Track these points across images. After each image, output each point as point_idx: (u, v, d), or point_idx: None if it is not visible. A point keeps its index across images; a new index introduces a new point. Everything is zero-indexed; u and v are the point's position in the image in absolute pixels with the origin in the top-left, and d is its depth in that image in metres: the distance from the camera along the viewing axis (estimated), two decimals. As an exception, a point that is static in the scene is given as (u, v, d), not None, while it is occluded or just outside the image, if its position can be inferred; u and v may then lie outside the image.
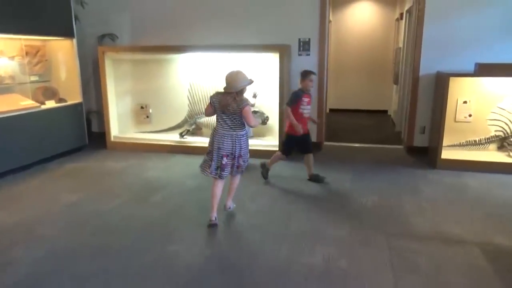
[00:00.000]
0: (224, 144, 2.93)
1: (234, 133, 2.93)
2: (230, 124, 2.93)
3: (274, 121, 4.87)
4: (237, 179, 3.18)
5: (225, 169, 2.97)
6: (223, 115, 2.94)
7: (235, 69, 3.03)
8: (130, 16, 5.39)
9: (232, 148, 2.94)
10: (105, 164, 4.55)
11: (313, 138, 5.11)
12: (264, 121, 4.85)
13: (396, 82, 6.64)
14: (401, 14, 6.48)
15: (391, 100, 7.77)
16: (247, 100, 2.96)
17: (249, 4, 4.99)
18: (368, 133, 6.28)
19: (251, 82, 3.01)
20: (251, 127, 3.11)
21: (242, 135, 2.97)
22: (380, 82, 8.11)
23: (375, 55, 8.05)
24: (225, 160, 2.94)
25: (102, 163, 4.61)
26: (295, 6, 4.87)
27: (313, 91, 4.95)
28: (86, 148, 5.19)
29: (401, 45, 6.37)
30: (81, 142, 5.11)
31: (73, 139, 4.97)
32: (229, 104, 2.88)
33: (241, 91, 2.93)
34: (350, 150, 5.22)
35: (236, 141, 2.94)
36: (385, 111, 8.14)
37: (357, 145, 5.46)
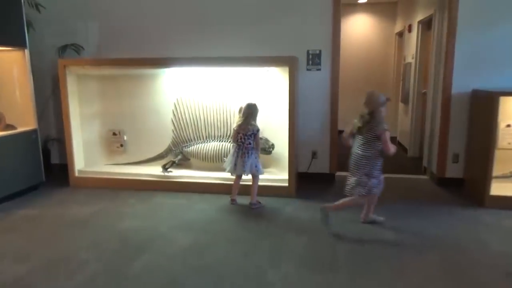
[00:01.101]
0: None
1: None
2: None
3: (280, 149, 3.99)
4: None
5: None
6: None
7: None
8: (98, 24, 4.42)
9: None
10: (67, 211, 3.49)
11: (324, 169, 4.27)
12: (269, 149, 3.96)
13: (404, 100, 5.94)
14: (409, 26, 5.83)
15: (393, 121, 7.08)
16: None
17: (245, 10, 4.15)
18: (378, 159, 5.48)
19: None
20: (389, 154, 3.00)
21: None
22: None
23: (374, 72, 7.38)
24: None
25: (63, 208, 3.55)
26: (301, 12, 4.07)
27: (325, 113, 4.15)
28: (43, 186, 4.11)
29: (410, 60, 5.70)
30: (36, 179, 4.03)
31: (25, 177, 3.89)
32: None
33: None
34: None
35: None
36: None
37: (372, 175, 4.63)
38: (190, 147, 4.16)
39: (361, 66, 7.42)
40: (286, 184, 3.82)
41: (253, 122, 3.44)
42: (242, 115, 3.44)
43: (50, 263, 2.55)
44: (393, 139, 6.83)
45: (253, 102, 3.49)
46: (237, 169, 3.50)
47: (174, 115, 4.20)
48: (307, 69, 4.12)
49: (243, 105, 3.48)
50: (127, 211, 3.47)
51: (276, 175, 4.01)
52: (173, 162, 4.16)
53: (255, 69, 3.98)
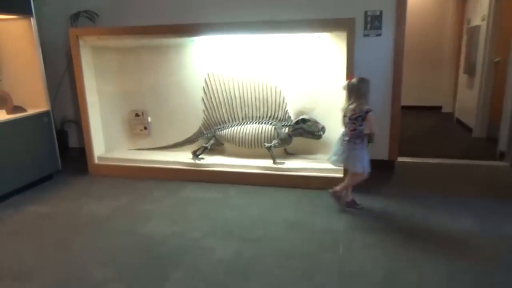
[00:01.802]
0: None
1: None
2: None
3: (332, 133, 3.34)
4: None
5: None
6: None
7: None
8: (116, -14, 3.80)
9: None
10: (83, 207, 2.98)
11: (381, 155, 3.61)
12: (318, 133, 3.31)
13: (469, 71, 5.10)
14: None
15: (449, 95, 6.24)
16: None
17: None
18: (438, 141, 4.74)
19: None
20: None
21: None
22: (431, 72, 6.56)
23: (424, 39, 6.48)
24: None
25: (78, 204, 3.05)
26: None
27: (387, 87, 3.44)
28: (59, 175, 3.63)
29: (478, 22, 4.83)
30: (50, 168, 3.54)
31: (37, 166, 3.40)
32: None
33: None
34: (432, 170, 3.68)
35: None
36: (438, 108, 6.60)
37: (436, 161, 3.93)
38: (224, 130, 3.56)
39: (411, 31, 6.53)
40: (340, 175, 3.18)
41: (361, 101, 2.62)
42: (347, 92, 2.68)
43: (57, 285, 2.04)
44: (449, 115, 5.96)
45: (362, 77, 2.66)
46: (341, 162, 2.77)
47: (205, 92, 3.58)
48: (364, 35, 3.38)
49: (352, 80, 2.67)
50: (152, 208, 2.93)
51: (324, 162, 3.36)
52: (205, 148, 3.57)
53: (302, 35, 3.28)
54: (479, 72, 4.69)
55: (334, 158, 2.76)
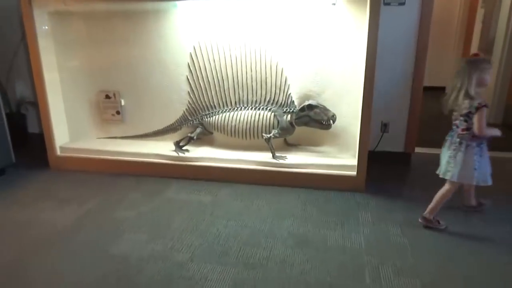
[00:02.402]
0: None
1: None
2: None
3: (343, 122, 2.81)
4: None
5: None
6: None
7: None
8: None
9: None
10: (40, 214, 2.39)
11: (397, 146, 3.12)
12: (327, 122, 2.76)
13: (486, 49, 4.58)
14: None
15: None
16: None
17: None
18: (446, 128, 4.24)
19: None
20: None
21: None
22: (435, 48, 6.03)
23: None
24: None
25: (35, 210, 2.45)
26: None
27: (407, 67, 2.90)
28: (12, 170, 3.00)
29: (499, -6, 4.28)
30: (0, 161, 2.91)
31: (-17, 159, 2.77)
32: None
33: None
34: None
35: None
36: (441, 89, 6.11)
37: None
38: (214, 117, 2.97)
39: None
40: (353, 173, 2.67)
41: (471, 93, 1.98)
42: (455, 79, 2.04)
43: None
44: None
45: (475, 57, 2.05)
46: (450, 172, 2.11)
47: (190, 70, 2.97)
48: (385, 3, 2.80)
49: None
50: (127, 216, 2.36)
51: (334, 157, 2.84)
52: (190, 138, 2.99)
53: (313, 1, 2.67)
54: (498, 49, 4.19)
55: (452, 170, 2.09)
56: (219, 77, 2.91)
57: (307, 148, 3.03)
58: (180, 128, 3.10)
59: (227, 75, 2.90)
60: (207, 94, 2.97)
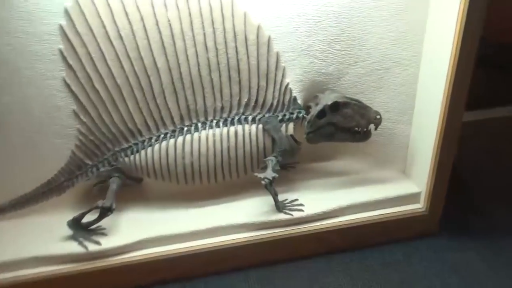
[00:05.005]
0: None
1: None
2: None
3: (395, 127, 1.59)
4: None
5: None
6: None
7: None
8: None
9: None
10: None
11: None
12: (366, 127, 1.50)
13: None
14: None
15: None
16: None
17: None
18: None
19: None
20: None
21: None
22: None
23: None
24: None
25: None
26: None
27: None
28: None
29: None
30: None
31: None
32: None
33: None
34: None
35: None
36: None
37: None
38: (141, 152, 1.44)
39: None
40: (418, 207, 1.53)
41: None
42: None
43: None
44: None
45: None
46: None
47: (69, 65, 1.33)
48: None
49: None
50: None
51: (373, 182, 1.64)
52: (104, 210, 1.40)
53: None
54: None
55: None
56: (138, 69, 1.36)
57: (315, 168, 1.75)
58: (71, 185, 1.48)
59: (155, 63, 1.36)
60: (120, 108, 1.40)
